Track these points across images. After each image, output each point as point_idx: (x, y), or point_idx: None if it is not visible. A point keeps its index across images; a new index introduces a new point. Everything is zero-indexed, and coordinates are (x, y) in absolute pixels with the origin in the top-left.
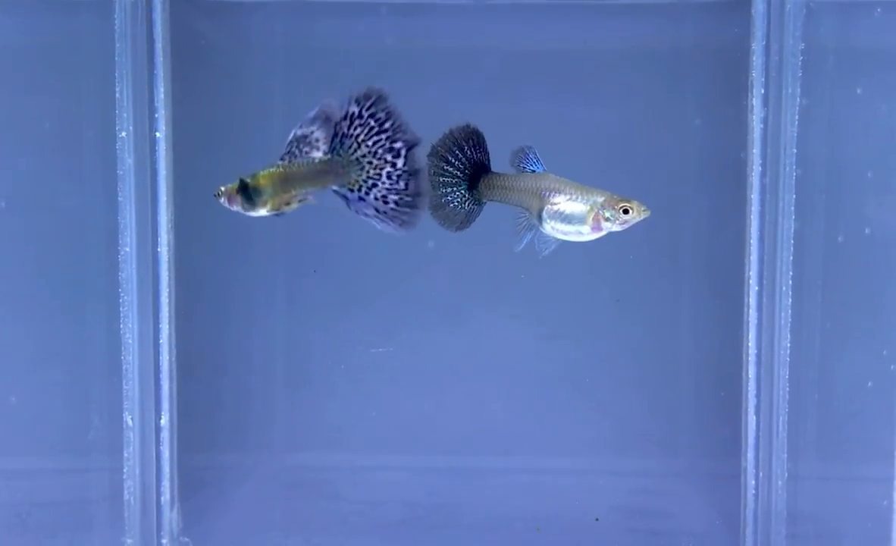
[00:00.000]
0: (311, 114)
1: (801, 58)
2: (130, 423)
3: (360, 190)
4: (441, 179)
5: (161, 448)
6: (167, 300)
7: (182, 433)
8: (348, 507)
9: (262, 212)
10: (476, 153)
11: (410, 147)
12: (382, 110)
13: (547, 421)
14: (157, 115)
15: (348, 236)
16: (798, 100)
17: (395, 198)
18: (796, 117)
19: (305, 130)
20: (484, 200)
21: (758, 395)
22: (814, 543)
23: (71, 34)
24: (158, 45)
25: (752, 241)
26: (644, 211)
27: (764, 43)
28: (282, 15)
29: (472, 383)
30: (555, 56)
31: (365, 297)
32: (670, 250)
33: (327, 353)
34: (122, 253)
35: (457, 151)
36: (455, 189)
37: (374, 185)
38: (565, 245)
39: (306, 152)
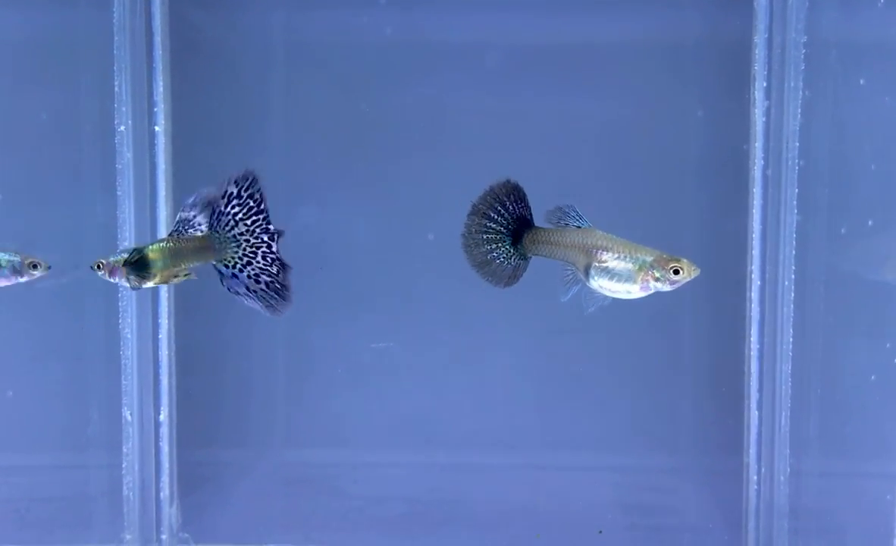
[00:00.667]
0: (190, 200)
1: (804, 50)
2: (129, 418)
3: (234, 267)
4: (485, 236)
5: (160, 443)
6: (166, 295)
7: (181, 429)
8: (349, 502)
9: (149, 284)
10: (518, 208)
11: (278, 235)
12: (258, 192)
13: (548, 417)
14: (155, 109)
15: (349, 232)
16: (801, 92)
17: (267, 279)
18: (799, 110)
19: (187, 214)
20: (529, 255)
21: (760, 391)
22: (816, 539)
23: (69, 27)
24: (157, 39)
25: (754, 235)
26: (694, 270)
27: (766, 35)
28: (281, 8)
29: (474, 379)
30: (557, 49)
31: (365, 293)
32: (672, 243)
33: (328, 349)
34: (121, 247)
35: (499, 207)
36: (500, 245)
37: (249, 264)
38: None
39: (190, 233)
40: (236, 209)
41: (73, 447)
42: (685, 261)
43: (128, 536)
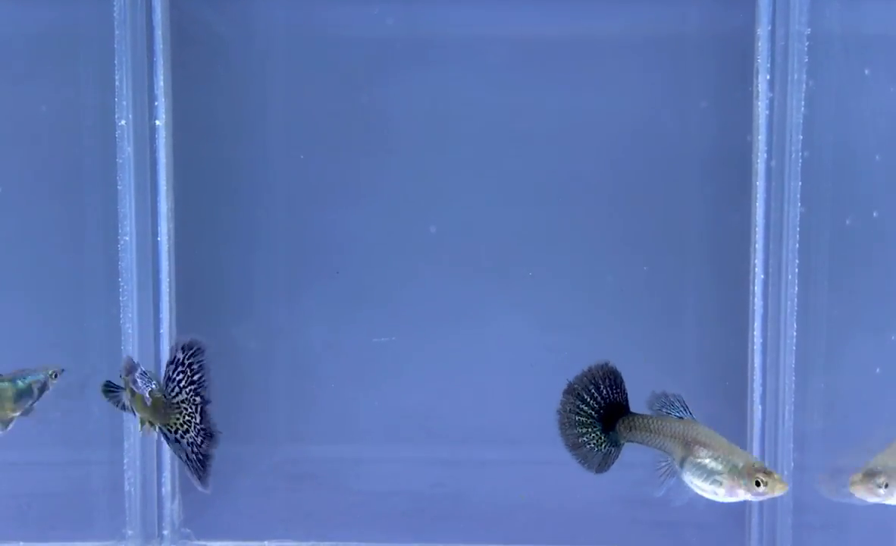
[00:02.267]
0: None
1: (808, 41)
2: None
3: (176, 432)
4: (576, 418)
5: (162, 440)
6: (167, 289)
7: None
8: (351, 498)
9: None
10: (613, 393)
11: (205, 404)
12: (198, 362)
13: (550, 411)
14: (156, 104)
15: (350, 226)
16: (804, 84)
17: (196, 453)
18: (802, 101)
19: (133, 379)
20: (622, 441)
21: (763, 385)
22: (820, 534)
23: (70, 22)
24: (158, 33)
25: (758, 227)
26: (781, 486)
27: (770, 27)
28: (283, 2)
29: (476, 374)
30: (559, 42)
31: (367, 287)
32: (675, 237)
33: (329, 343)
34: (122, 242)
35: (593, 390)
36: (590, 429)
37: (187, 432)
38: (568, 228)
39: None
40: (179, 376)
41: (75, 443)
42: (775, 475)
43: (129, 532)
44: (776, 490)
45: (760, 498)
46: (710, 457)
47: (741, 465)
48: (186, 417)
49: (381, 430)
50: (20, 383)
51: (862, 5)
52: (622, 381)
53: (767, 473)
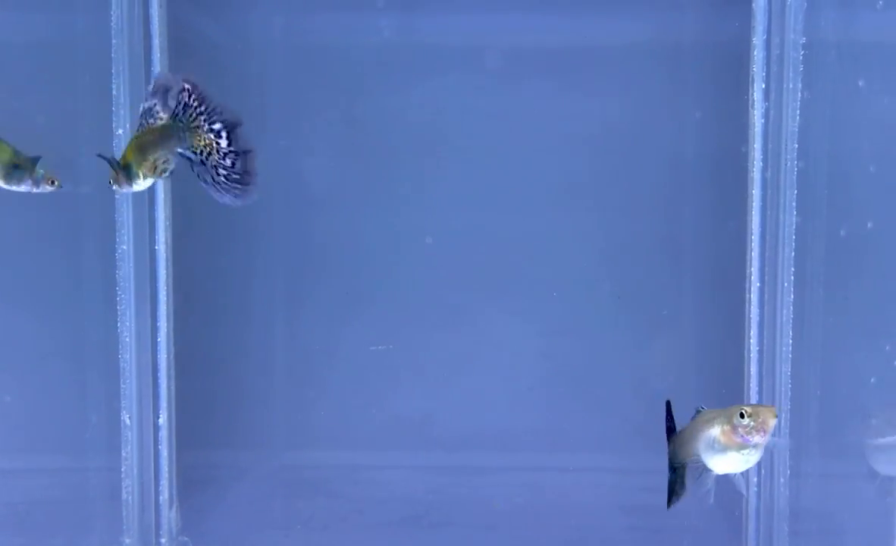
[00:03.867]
0: (150, 87)
1: (803, 51)
2: (128, 421)
3: (200, 154)
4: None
5: (159, 447)
6: (165, 298)
7: (180, 432)
8: (348, 505)
9: (143, 182)
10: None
11: (232, 128)
12: (197, 94)
13: (547, 418)
14: None
15: (346, 233)
16: (799, 94)
17: (224, 174)
18: (798, 111)
19: (148, 103)
20: (676, 464)
21: (759, 392)
22: (816, 540)
23: (67, 30)
24: (156, 42)
25: (753, 236)
26: (767, 411)
27: (765, 36)
28: (279, 11)
29: (473, 381)
30: (555, 51)
31: (364, 295)
32: (671, 246)
33: (326, 351)
34: (120, 250)
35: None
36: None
37: (209, 155)
38: (564, 237)
39: (152, 123)
40: (195, 103)
41: (72, 450)
42: (760, 406)
43: (127, 540)
44: (762, 415)
45: (758, 438)
46: (703, 429)
47: (727, 416)
48: (206, 141)
49: (380, 437)
50: (18, 157)
51: (857, 15)
52: (669, 410)
53: (752, 407)
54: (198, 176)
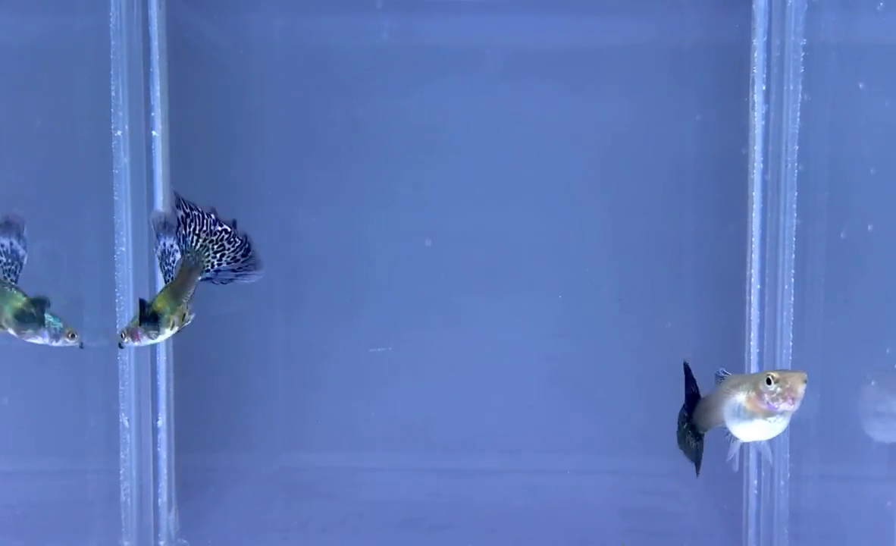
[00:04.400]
0: (154, 232)
1: (803, 53)
2: (127, 423)
3: (213, 267)
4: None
5: (158, 449)
6: None
7: (179, 434)
8: (347, 508)
9: (168, 333)
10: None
11: (232, 225)
12: (191, 205)
13: (547, 420)
14: (153, 114)
15: (346, 235)
16: (800, 96)
17: (241, 254)
18: (798, 113)
19: (160, 248)
20: (701, 432)
21: None
22: (817, 543)
23: (66, 31)
24: (154, 43)
25: (753, 239)
26: (796, 376)
27: (765, 38)
28: (278, 12)
29: (472, 383)
30: (555, 53)
31: (363, 297)
32: (671, 248)
33: (326, 353)
34: (118, 252)
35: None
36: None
37: (223, 254)
38: (564, 239)
39: (173, 263)
40: (193, 225)
41: (71, 453)
42: (787, 371)
43: (125, 542)
44: (790, 380)
45: (786, 405)
46: (729, 395)
47: (753, 382)
48: (216, 247)
49: (379, 439)
50: (31, 306)
51: (857, 17)
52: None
53: (780, 372)
54: (222, 283)
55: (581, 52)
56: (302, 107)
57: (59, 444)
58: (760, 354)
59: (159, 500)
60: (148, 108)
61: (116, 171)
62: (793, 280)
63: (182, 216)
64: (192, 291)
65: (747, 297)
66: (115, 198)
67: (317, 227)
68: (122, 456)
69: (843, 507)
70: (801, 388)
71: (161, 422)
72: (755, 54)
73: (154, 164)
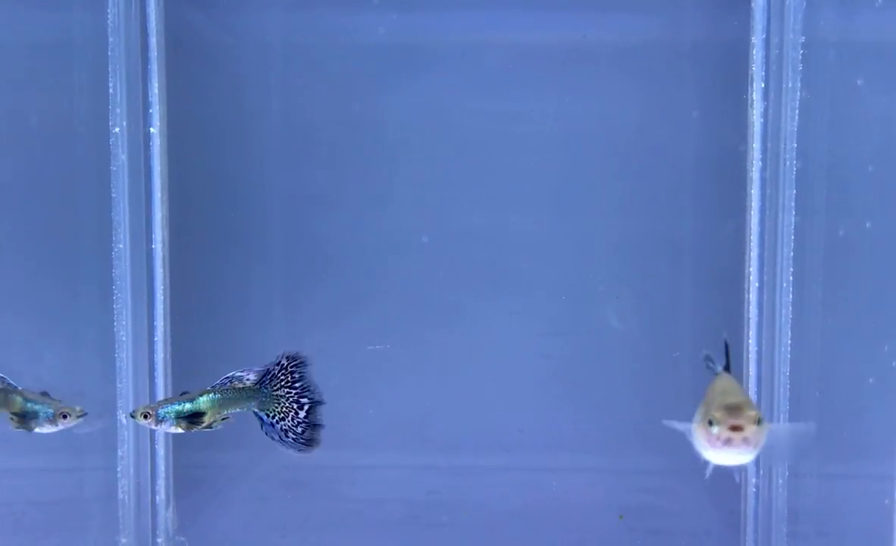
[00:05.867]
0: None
1: (802, 51)
2: (124, 421)
3: (272, 418)
4: None
5: (156, 446)
6: (161, 297)
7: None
8: (346, 505)
9: (194, 429)
10: None
11: (316, 404)
12: (300, 371)
13: (546, 419)
14: (151, 111)
15: (345, 233)
16: (798, 93)
17: (293, 437)
18: (796, 111)
19: (240, 373)
20: None
21: (758, 393)
22: (815, 542)
23: (63, 28)
24: (153, 40)
25: (752, 236)
26: (732, 431)
27: (764, 36)
28: (276, 8)
29: (471, 381)
30: (553, 49)
31: (362, 295)
32: (669, 246)
33: (324, 351)
34: (116, 250)
35: None
36: None
37: (283, 419)
38: (561, 237)
39: (236, 383)
40: (282, 376)
41: (69, 450)
42: (737, 415)
43: (123, 540)
44: (725, 432)
45: (725, 452)
46: (699, 413)
47: (703, 412)
48: (284, 407)
49: (377, 437)
50: (29, 406)
51: (856, 14)
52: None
53: (727, 410)
54: (265, 432)
55: (579, 49)
56: (300, 103)
57: (57, 441)
58: (759, 352)
59: (157, 498)
60: (146, 105)
61: (114, 168)
62: (791, 277)
63: (282, 364)
64: (235, 409)
65: (746, 295)
66: (113, 195)
67: (314, 223)
68: (119, 453)
69: (841, 505)
70: (742, 435)
71: None
72: (754, 51)
73: (152, 162)
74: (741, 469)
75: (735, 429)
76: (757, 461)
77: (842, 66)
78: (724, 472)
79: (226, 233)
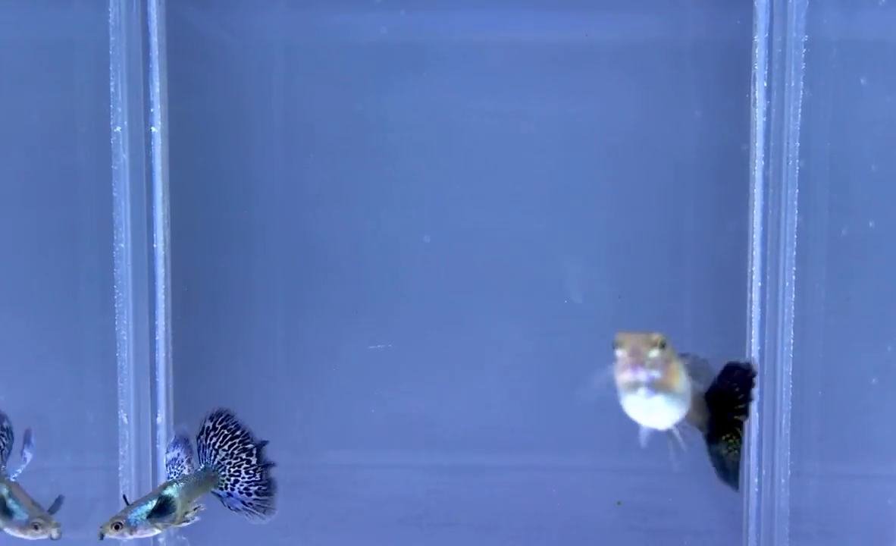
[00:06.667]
0: (171, 440)
1: (805, 49)
2: (126, 420)
3: (226, 488)
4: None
5: (157, 446)
6: (163, 296)
7: None
8: (347, 505)
9: (170, 525)
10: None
11: (260, 446)
12: (232, 423)
13: (548, 418)
14: (152, 110)
15: (347, 233)
16: (801, 92)
17: (255, 488)
18: (799, 110)
19: (171, 455)
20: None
21: (761, 392)
22: (817, 542)
23: (65, 27)
24: (154, 39)
25: (754, 236)
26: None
27: (767, 34)
28: (278, 8)
29: (473, 380)
30: (555, 48)
31: (364, 294)
32: (672, 245)
33: (326, 350)
34: (117, 249)
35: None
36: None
37: (237, 481)
38: (564, 236)
39: (179, 472)
40: (213, 439)
41: (70, 449)
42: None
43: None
44: (625, 356)
45: (634, 394)
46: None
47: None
48: (232, 470)
49: (379, 436)
50: (10, 502)
51: (859, 13)
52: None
53: (627, 335)
54: (229, 507)
55: (582, 47)
56: (302, 102)
57: (58, 440)
58: (761, 352)
59: None
60: (147, 105)
61: (115, 168)
62: (794, 277)
63: (208, 428)
64: (198, 496)
65: (748, 295)
66: (115, 194)
67: (316, 223)
68: (121, 453)
69: (844, 505)
70: (634, 355)
71: (160, 418)
72: (756, 50)
73: (153, 161)
74: (679, 452)
75: (635, 352)
76: (759, 460)
77: (845, 64)
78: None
79: (227, 232)
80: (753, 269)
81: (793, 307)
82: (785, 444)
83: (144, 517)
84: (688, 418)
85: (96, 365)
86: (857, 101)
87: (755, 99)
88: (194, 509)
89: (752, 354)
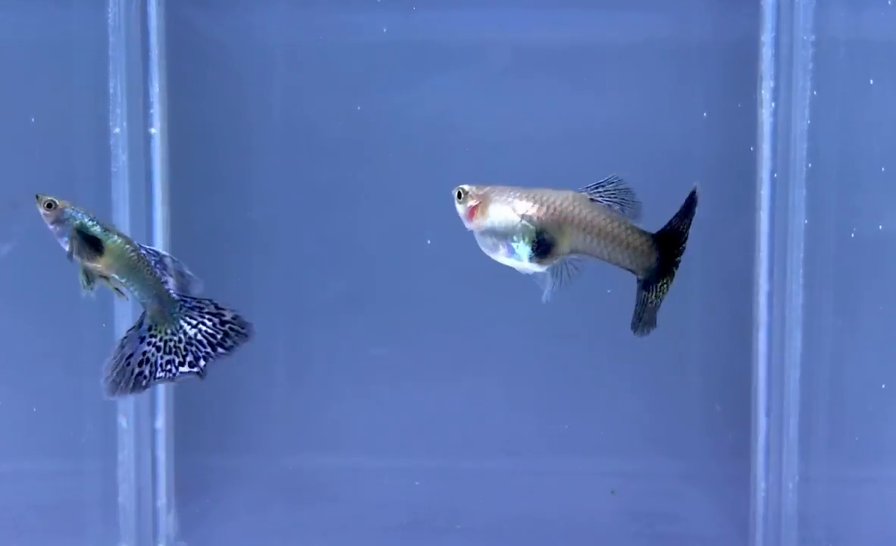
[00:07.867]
0: (178, 269)
1: (812, 49)
2: (125, 424)
3: (149, 336)
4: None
5: (157, 450)
6: None
7: (178, 435)
8: (348, 510)
9: (87, 265)
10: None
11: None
12: (231, 339)
13: (551, 422)
14: (151, 111)
15: (347, 234)
16: (809, 92)
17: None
18: (807, 110)
19: (170, 269)
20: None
21: (768, 396)
22: None
23: (63, 27)
24: (153, 39)
25: (762, 237)
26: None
27: (774, 34)
28: (278, 8)
29: (475, 384)
30: (560, 48)
31: (364, 297)
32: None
33: (327, 354)
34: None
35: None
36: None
37: (170, 346)
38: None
39: (158, 269)
40: (208, 324)
41: (68, 454)
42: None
43: (123, 545)
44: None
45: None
46: None
47: None
48: (176, 340)
49: (379, 440)
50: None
51: (867, 13)
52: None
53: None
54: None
55: (586, 47)
56: (302, 103)
57: (57, 444)
58: (769, 355)
59: (158, 503)
60: (146, 105)
61: (114, 169)
62: (802, 279)
63: (224, 319)
64: (132, 287)
65: (755, 297)
66: (114, 196)
67: (317, 225)
68: (120, 457)
69: (852, 510)
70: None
71: (160, 423)
72: (763, 50)
73: (152, 162)
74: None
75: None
76: (767, 465)
77: (853, 64)
78: (732, 476)
79: (227, 234)
80: (760, 271)
81: (800, 310)
82: (793, 448)
83: (77, 222)
84: (631, 263)
85: (95, 368)
86: (866, 101)
87: (762, 99)
88: (117, 290)
89: (760, 357)
